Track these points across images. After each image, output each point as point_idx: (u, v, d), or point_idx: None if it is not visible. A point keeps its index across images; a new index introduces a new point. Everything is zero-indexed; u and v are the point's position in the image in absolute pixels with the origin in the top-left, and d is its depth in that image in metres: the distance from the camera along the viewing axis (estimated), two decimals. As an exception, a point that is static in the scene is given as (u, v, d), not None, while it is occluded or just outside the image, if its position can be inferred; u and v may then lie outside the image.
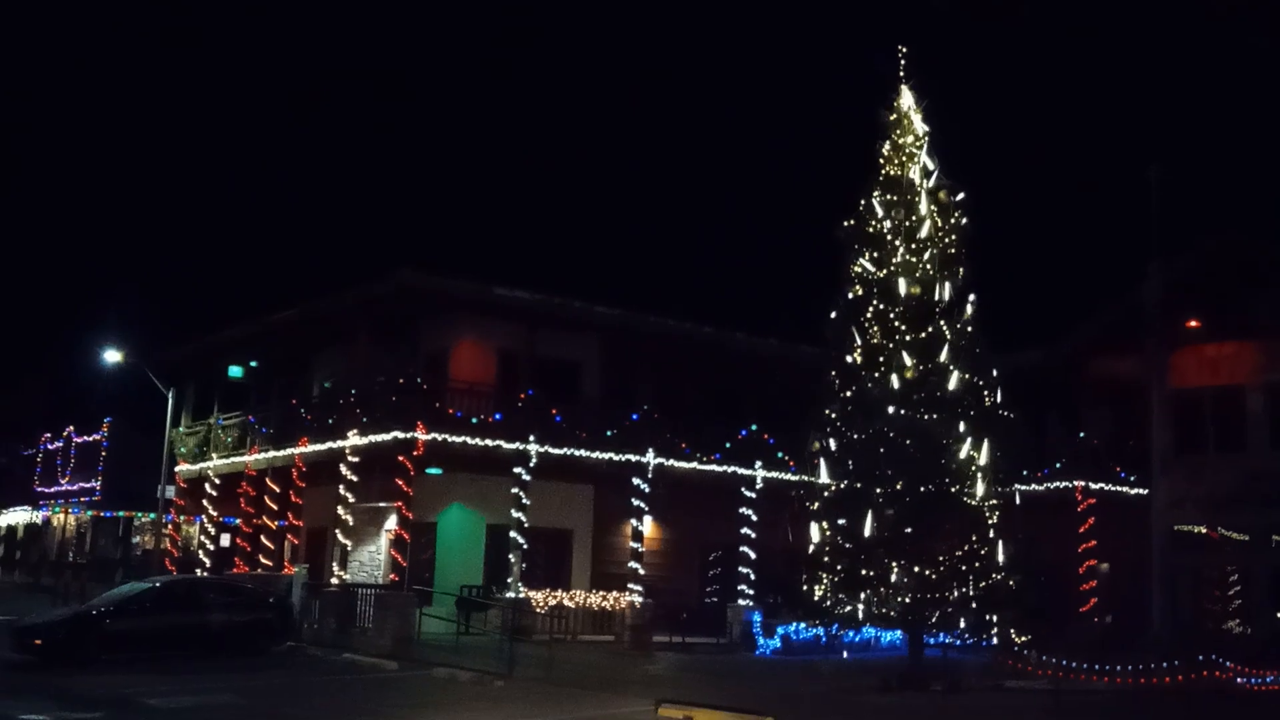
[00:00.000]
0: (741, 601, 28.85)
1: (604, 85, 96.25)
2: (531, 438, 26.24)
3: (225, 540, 36.28)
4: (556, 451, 26.67)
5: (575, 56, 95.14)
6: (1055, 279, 60.95)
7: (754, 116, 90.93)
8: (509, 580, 25.91)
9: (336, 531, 27.04)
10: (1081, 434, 29.29)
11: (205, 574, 32.92)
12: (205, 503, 35.15)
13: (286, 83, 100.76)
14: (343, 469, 26.65)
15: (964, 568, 19.04)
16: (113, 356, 32.51)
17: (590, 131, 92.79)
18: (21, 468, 55.44)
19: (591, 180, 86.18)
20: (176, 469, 35.62)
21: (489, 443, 25.78)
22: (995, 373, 20.27)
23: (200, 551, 36.07)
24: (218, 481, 34.50)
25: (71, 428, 50.05)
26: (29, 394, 57.08)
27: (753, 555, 29.58)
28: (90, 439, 47.95)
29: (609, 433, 27.62)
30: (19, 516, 55.17)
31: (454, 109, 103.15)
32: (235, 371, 32.50)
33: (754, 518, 29.66)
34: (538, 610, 25.68)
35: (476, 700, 16.71)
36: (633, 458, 27.83)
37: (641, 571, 28.02)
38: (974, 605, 19.05)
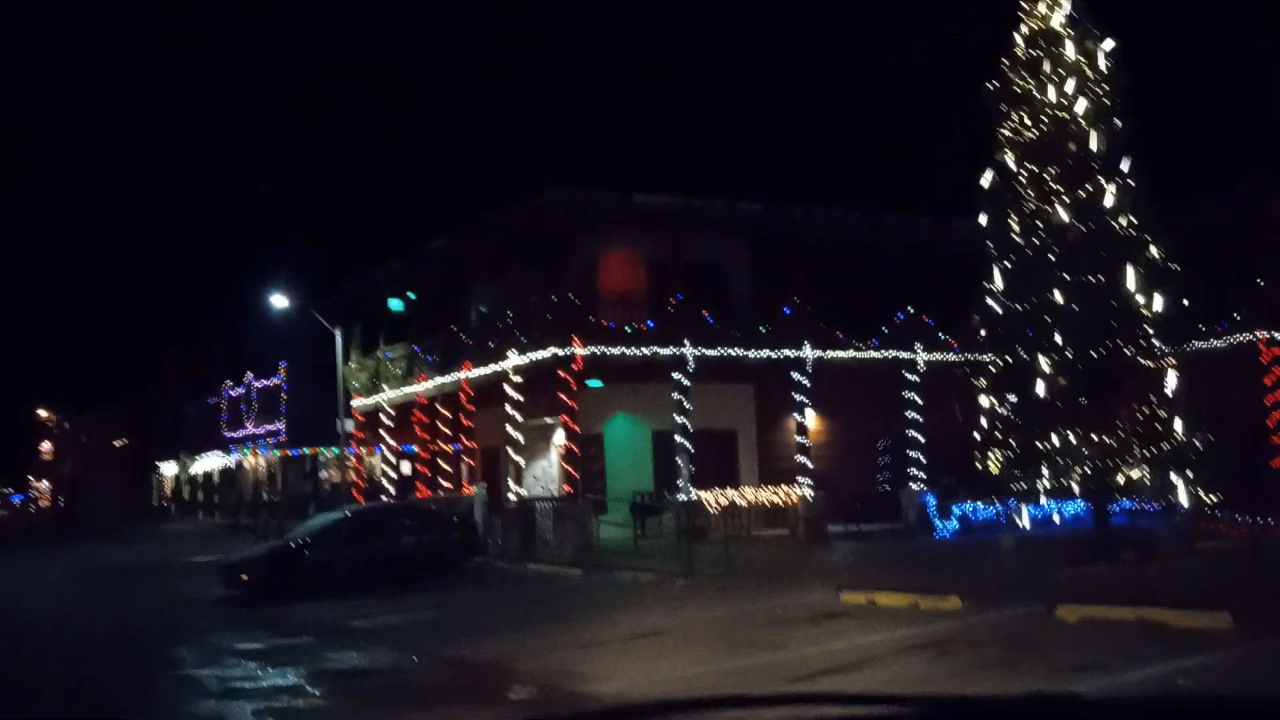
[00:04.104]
0: (914, 486, 28.60)
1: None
2: (686, 341, 26.34)
3: (406, 468, 37.74)
4: (712, 353, 26.73)
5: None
6: (1223, 123, 57.29)
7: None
8: (679, 483, 26.28)
9: (508, 449, 27.83)
10: (1259, 281, 27.69)
11: (391, 500, 34.37)
12: (382, 433, 36.67)
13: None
14: (507, 389, 27.30)
15: (1145, 431, 18.35)
16: (280, 302, 33.76)
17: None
18: (209, 416, 58.71)
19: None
20: (352, 403, 37.02)
21: (644, 351, 26.01)
22: (1163, 225, 19.22)
23: (384, 480, 37.65)
24: (392, 412, 35.90)
25: (250, 374, 52.62)
26: (206, 346, 60.07)
27: (921, 439, 29.25)
28: (269, 383, 50.35)
29: (763, 329, 27.52)
30: (213, 462, 58.55)
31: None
32: (396, 305, 33.48)
33: (919, 401, 29.26)
34: (710, 510, 25.99)
35: (662, 599, 17.07)
36: (789, 353, 27.68)
37: (810, 465, 28.04)
38: (1159, 469, 18.37)
